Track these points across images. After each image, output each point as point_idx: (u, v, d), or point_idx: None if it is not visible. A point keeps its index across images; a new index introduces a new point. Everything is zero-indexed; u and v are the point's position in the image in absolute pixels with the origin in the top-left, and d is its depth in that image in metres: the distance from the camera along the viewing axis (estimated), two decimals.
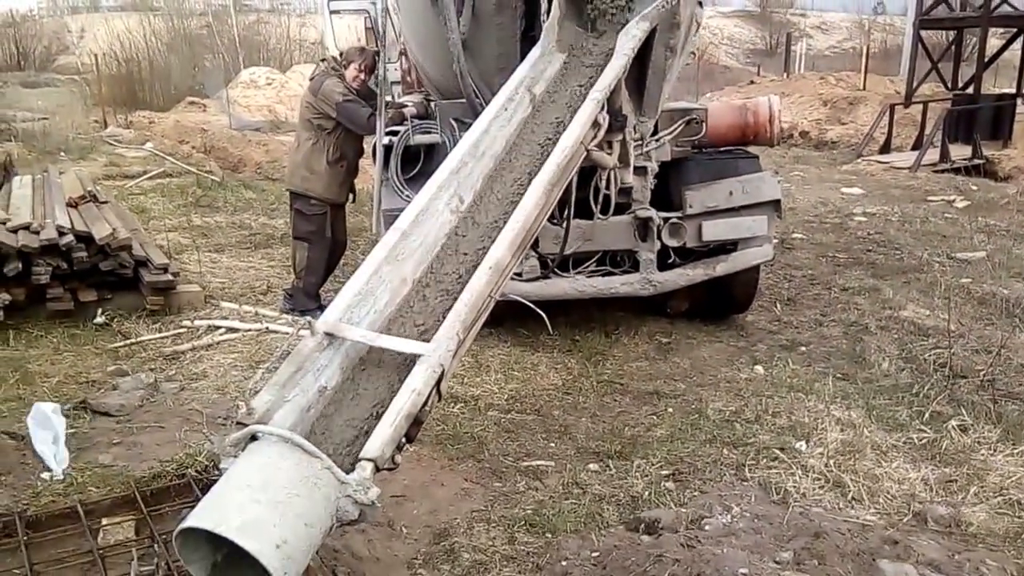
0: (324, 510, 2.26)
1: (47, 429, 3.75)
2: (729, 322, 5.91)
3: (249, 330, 5.44)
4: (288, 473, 2.24)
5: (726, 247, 5.41)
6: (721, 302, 5.86)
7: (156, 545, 3.12)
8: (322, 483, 2.26)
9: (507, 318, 5.49)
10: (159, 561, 3.04)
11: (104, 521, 3.29)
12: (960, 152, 13.25)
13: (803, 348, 5.43)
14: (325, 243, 5.84)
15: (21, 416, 4.04)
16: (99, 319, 5.46)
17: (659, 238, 5.20)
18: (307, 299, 5.82)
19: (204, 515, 2.14)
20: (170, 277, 5.66)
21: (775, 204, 5.44)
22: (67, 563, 3.09)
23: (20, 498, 3.35)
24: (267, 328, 5.44)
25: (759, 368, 5.08)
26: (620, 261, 5.32)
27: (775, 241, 6.10)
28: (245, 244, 7.84)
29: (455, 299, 2.84)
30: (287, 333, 5.25)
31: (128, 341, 5.21)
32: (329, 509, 2.27)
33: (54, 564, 3.07)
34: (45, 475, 3.52)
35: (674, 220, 5.21)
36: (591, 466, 3.91)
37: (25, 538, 3.12)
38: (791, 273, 7.07)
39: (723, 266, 5.37)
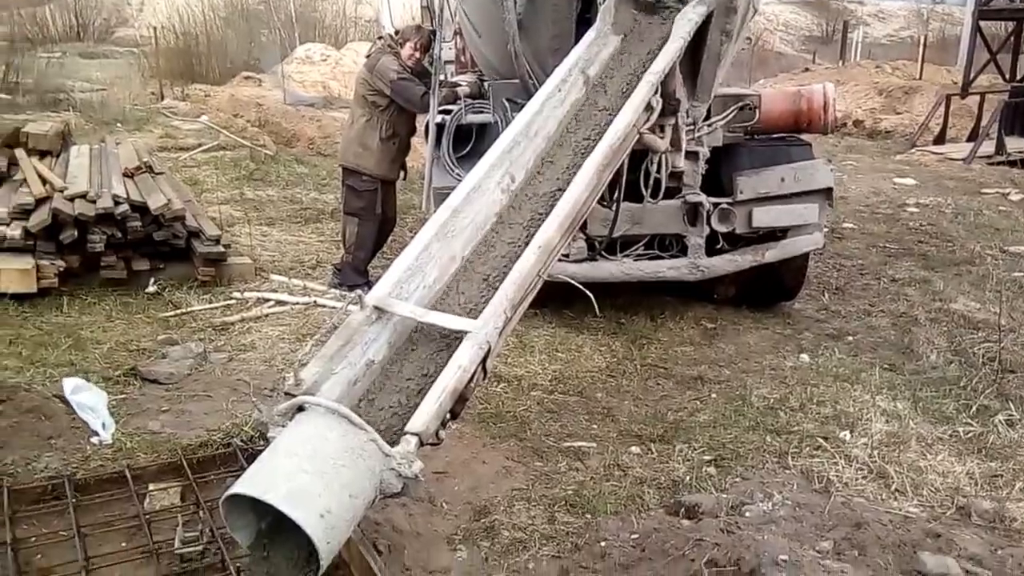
0: (368, 482, 2.28)
1: (85, 400, 3.83)
2: (776, 310, 5.83)
3: (297, 303, 5.51)
4: (334, 444, 2.27)
5: (776, 234, 5.33)
6: (769, 289, 5.78)
7: (201, 512, 3.19)
8: (367, 455, 2.29)
9: (552, 300, 5.47)
10: (204, 527, 3.09)
11: (151, 487, 3.35)
12: (1016, 145, 12.89)
13: (850, 338, 5.35)
14: (375, 219, 5.88)
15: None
16: (151, 288, 5.57)
17: (708, 223, 5.13)
18: (355, 274, 5.87)
19: (251, 482, 2.17)
20: (222, 249, 5.74)
21: (827, 192, 5.34)
22: (114, 526, 3.17)
23: (69, 461, 3.43)
24: (315, 302, 5.51)
25: (805, 356, 5.01)
26: (668, 245, 5.27)
27: (825, 230, 5.98)
28: (296, 218, 7.93)
29: (503, 278, 2.84)
30: (335, 308, 5.30)
31: (179, 311, 5.30)
32: (373, 481, 2.30)
33: (101, 527, 3.14)
34: (94, 439, 3.60)
35: (724, 205, 5.14)
36: (633, 449, 3.90)
37: (74, 500, 3.20)
38: (840, 263, 6.95)
39: (772, 253, 5.30)
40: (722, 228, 5.17)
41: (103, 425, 3.65)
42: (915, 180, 10.80)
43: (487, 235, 3.09)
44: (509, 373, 4.68)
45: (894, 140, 15.49)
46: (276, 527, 2.30)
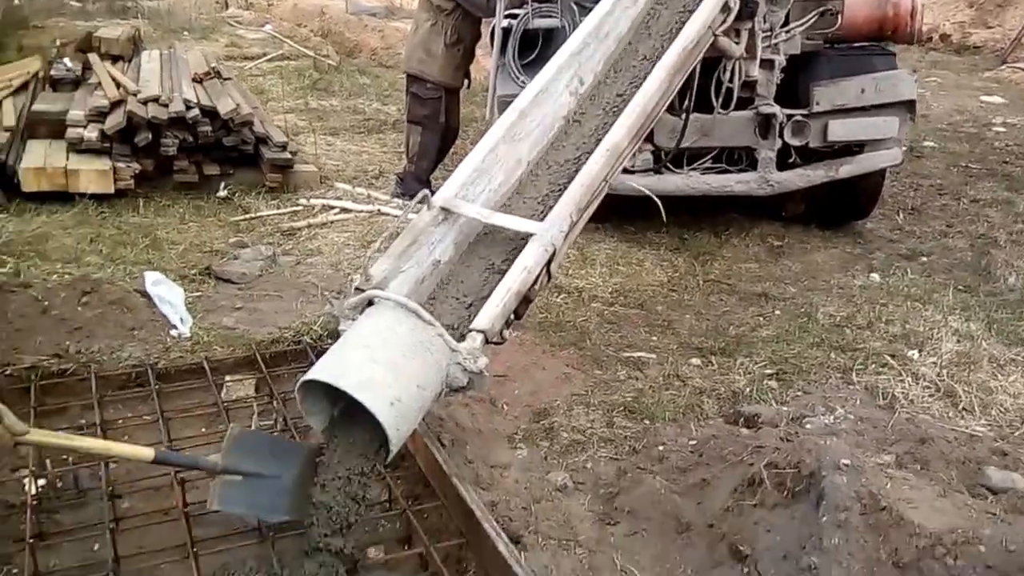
0: (435, 375, 2.35)
1: (164, 294, 3.99)
2: (847, 228, 5.67)
3: (361, 211, 5.58)
4: (403, 337, 2.34)
5: (852, 148, 5.13)
6: (840, 207, 5.60)
7: (275, 402, 3.33)
8: (434, 349, 2.35)
9: (615, 215, 5.44)
10: (277, 416, 3.25)
11: (227, 378, 3.52)
12: None
13: (924, 258, 5.20)
14: (438, 128, 5.86)
15: None
16: (221, 193, 5.69)
17: (781, 136, 4.95)
18: (417, 184, 5.87)
19: (325, 370, 2.27)
20: (288, 155, 5.81)
21: (909, 105, 5.10)
22: (194, 413, 3.34)
23: (151, 352, 3.59)
24: (379, 210, 5.57)
25: (875, 276, 4.90)
26: (737, 159, 5.13)
27: (905, 147, 5.74)
28: (359, 129, 7.95)
29: (569, 181, 2.83)
30: (398, 216, 5.35)
31: (248, 215, 5.43)
32: (440, 375, 2.37)
33: (182, 413, 3.32)
34: (173, 332, 3.76)
35: (799, 118, 4.94)
36: (693, 360, 3.90)
37: (156, 388, 3.37)
38: (918, 182, 6.69)
39: (847, 168, 5.11)
40: (795, 141, 4.98)
41: (181, 319, 3.81)
42: (1003, 98, 10.24)
43: (554, 138, 3.07)
44: (570, 285, 4.69)
45: (983, 56, 14.60)
46: (347, 415, 2.39)
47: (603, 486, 2.97)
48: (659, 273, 4.97)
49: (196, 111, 5.52)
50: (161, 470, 2.84)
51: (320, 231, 5.27)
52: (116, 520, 2.60)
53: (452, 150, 6.28)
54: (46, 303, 3.70)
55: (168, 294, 3.96)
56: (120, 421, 3.26)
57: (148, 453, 2.22)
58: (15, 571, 2.48)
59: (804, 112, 4.97)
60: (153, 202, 5.47)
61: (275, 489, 2.24)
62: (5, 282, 3.97)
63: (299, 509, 2.35)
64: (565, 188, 2.81)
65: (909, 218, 5.91)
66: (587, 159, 2.87)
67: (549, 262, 2.62)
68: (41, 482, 2.78)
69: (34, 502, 2.68)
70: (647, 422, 3.36)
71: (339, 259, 4.82)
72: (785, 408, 3.37)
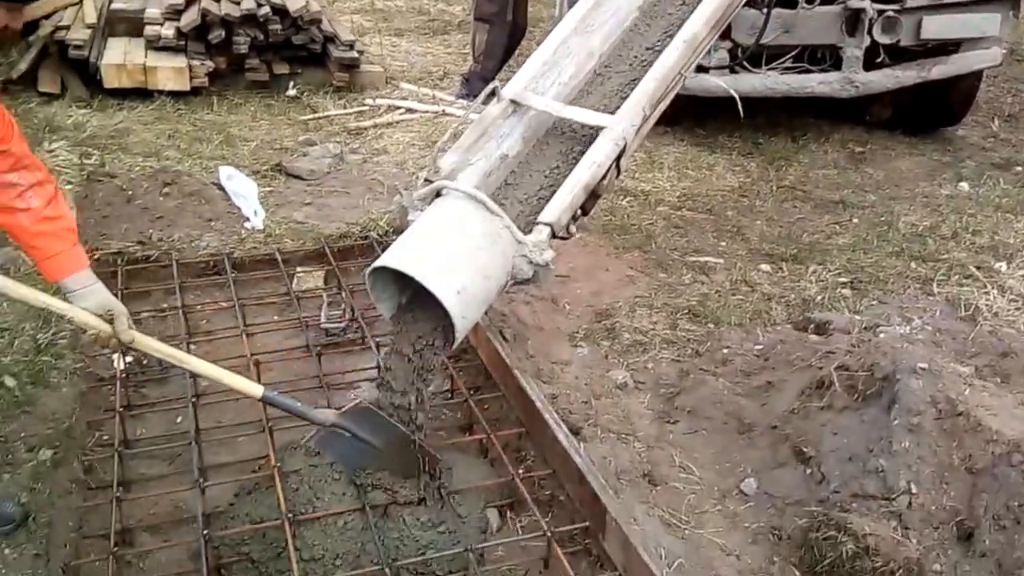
0: (501, 266, 2.36)
1: (238, 187, 4.08)
2: (935, 135, 5.40)
3: (426, 112, 5.55)
4: (471, 228, 2.34)
5: (946, 48, 4.81)
6: (930, 111, 5.30)
7: (343, 293, 3.41)
8: (501, 240, 2.35)
9: (685, 117, 5.28)
10: (346, 307, 3.33)
11: (298, 269, 3.64)
12: None
13: (1019, 168, 4.93)
14: (505, 26, 5.72)
15: None
16: (291, 91, 5.74)
17: (869, 33, 4.63)
18: (483, 84, 5.75)
19: (394, 257, 2.29)
20: (356, 54, 5.80)
21: (1013, 1, 4.73)
22: (266, 302, 3.47)
23: (227, 242, 3.72)
24: (444, 111, 5.52)
25: (964, 185, 4.68)
26: (820, 58, 4.86)
27: (1006, 47, 5.36)
28: (424, 30, 7.85)
29: (643, 75, 2.74)
30: (462, 116, 5.30)
31: (316, 115, 5.46)
32: (506, 266, 2.37)
33: (256, 301, 3.45)
34: (247, 225, 3.87)
35: (890, 13, 4.61)
36: (763, 267, 3.82)
37: (232, 276, 3.50)
38: (1017, 87, 6.29)
39: (939, 69, 4.79)
40: (885, 39, 4.66)
41: (255, 212, 3.90)
42: None
43: (628, 30, 2.96)
44: (636, 188, 4.61)
45: None
46: (415, 304, 2.43)
47: (664, 386, 2.98)
48: (730, 178, 4.83)
49: (267, 8, 5.50)
50: (237, 351, 2.99)
51: (386, 131, 5.27)
52: (197, 396, 2.76)
53: (518, 50, 6.14)
54: (130, 193, 3.87)
55: (242, 188, 4.05)
56: (199, 306, 3.42)
57: (257, 390, 2.25)
58: (105, 437, 2.68)
59: (896, 7, 4.62)
60: (226, 100, 5.56)
61: (369, 455, 2.31)
62: (92, 172, 4.16)
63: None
64: (638, 82, 2.72)
65: (1005, 125, 5.59)
66: (662, 51, 2.76)
67: (619, 156, 2.56)
68: (128, 358, 2.94)
69: (122, 375, 2.87)
70: (711, 326, 3.32)
71: (404, 158, 4.83)
72: (858, 317, 3.28)
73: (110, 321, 2.11)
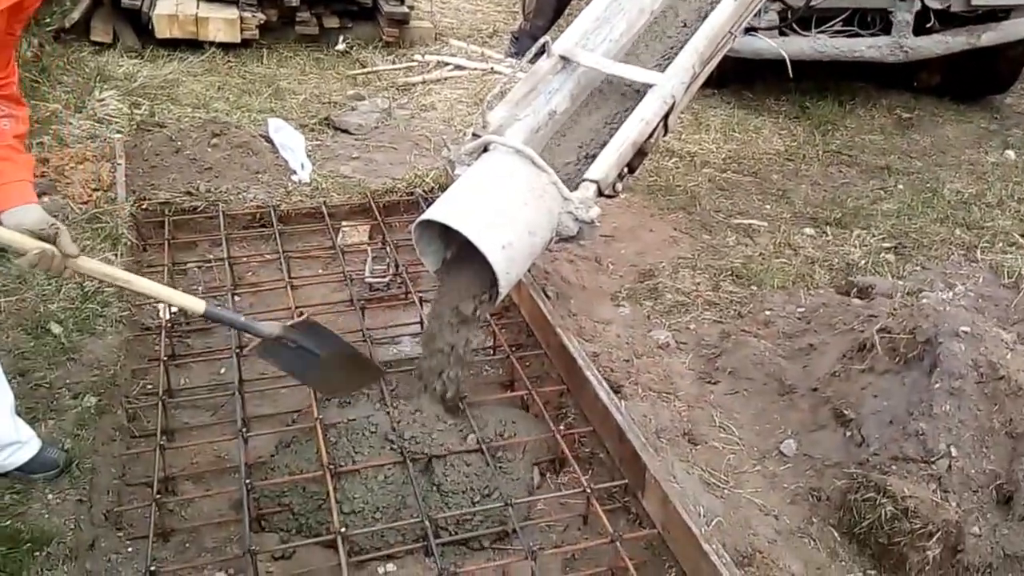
0: (547, 222, 2.39)
1: (287, 140, 4.12)
2: (983, 102, 5.32)
3: (475, 69, 5.54)
4: (517, 183, 2.37)
5: (997, 14, 4.71)
6: (978, 78, 5.21)
7: (388, 248, 3.46)
8: (547, 196, 2.38)
9: (733, 79, 5.22)
10: (390, 261, 3.38)
11: (343, 223, 3.67)
12: None
13: None
14: None
15: None
16: (340, 46, 5.76)
17: None
18: (532, 43, 5.74)
19: (441, 211, 2.33)
20: (406, 9, 5.80)
21: None
22: (311, 255, 3.52)
23: (274, 195, 3.76)
24: (492, 68, 5.52)
25: (1010, 153, 4.61)
26: (870, 22, 4.78)
27: None
28: None
29: (694, 32, 2.73)
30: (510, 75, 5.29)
31: (365, 70, 5.48)
32: (551, 222, 2.40)
33: (300, 254, 3.51)
34: (294, 178, 3.91)
35: None
36: (807, 230, 3.81)
37: (278, 229, 3.54)
38: None
39: (990, 36, 4.71)
40: (936, 4, 4.59)
41: (301, 165, 3.95)
42: None
43: None
44: (682, 149, 4.59)
45: None
46: (459, 259, 2.47)
47: (705, 346, 3.00)
48: (776, 141, 4.79)
49: None
50: (282, 303, 3.05)
51: (434, 87, 5.28)
52: (240, 347, 2.77)
53: (568, 9, 6.09)
54: (178, 143, 3.90)
55: (289, 140, 4.10)
56: (245, 258, 3.48)
57: (200, 306, 2.13)
58: (149, 386, 2.75)
59: None
60: (276, 53, 5.59)
61: (316, 364, 2.31)
62: (141, 122, 4.21)
63: (325, 388, 2.46)
64: (689, 39, 2.71)
65: None
66: (713, 8, 2.74)
67: (667, 114, 2.57)
68: (173, 308, 2.97)
69: (167, 325, 2.93)
70: (754, 288, 3.33)
71: (452, 115, 4.84)
72: (901, 282, 3.27)
73: (53, 239, 1.87)
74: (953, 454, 2.19)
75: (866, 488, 2.21)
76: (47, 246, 1.86)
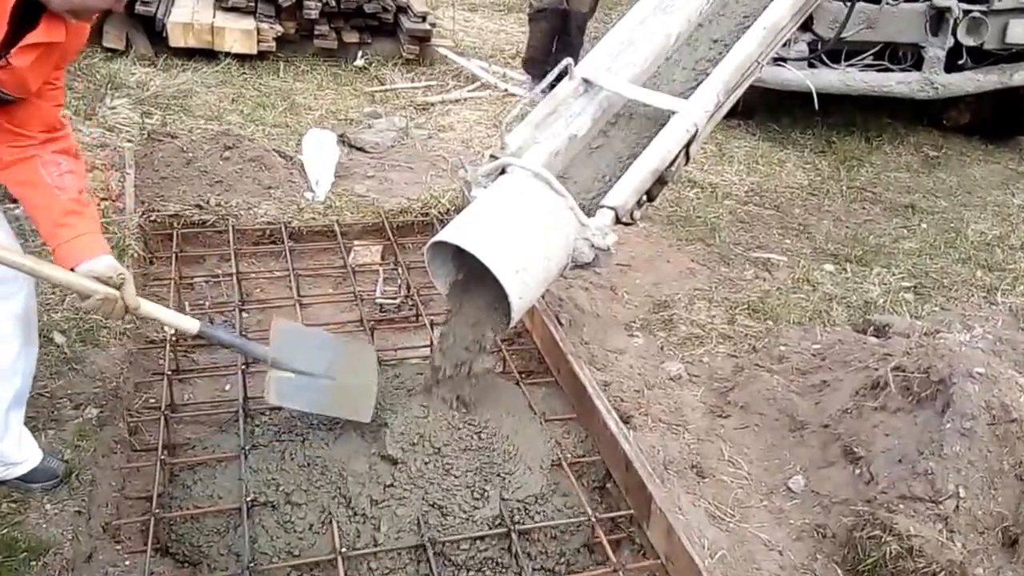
0: (562, 248, 2.33)
1: (319, 150, 4.06)
2: (1013, 143, 5.26)
3: (496, 90, 5.51)
4: (534, 207, 2.31)
5: None
6: (1009, 118, 5.14)
7: (400, 269, 3.40)
8: (564, 222, 2.32)
9: (759, 110, 5.17)
10: (401, 283, 3.32)
11: (356, 243, 3.60)
12: None
13: None
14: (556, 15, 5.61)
15: (289, 139, 4.44)
16: (359, 62, 5.74)
17: (953, 34, 4.51)
18: (535, 69, 5.71)
19: (455, 233, 2.27)
20: (428, 26, 5.77)
21: None
22: (321, 273, 3.46)
23: (286, 211, 3.69)
24: (506, 90, 5.50)
25: None
26: (901, 57, 4.73)
27: None
28: (498, 6, 7.81)
29: (720, 59, 2.68)
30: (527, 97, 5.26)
31: (383, 87, 5.46)
32: (567, 248, 2.34)
33: (311, 272, 3.44)
34: (308, 195, 3.86)
35: (976, 14, 4.47)
36: (826, 266, 3.74)
37: (289, 246, 3.47)
38: None
39: (1022, 75, 4.65)
40: (969, 41, 4.53)
41: (316, 182, 3.89)
42: None
43: (709, 14, 2.89)
44: (704, 180, 4.54)
45: None
46: (471, 281, 2.41)
47: (718, 380, 2.93)
48: (800, 175, 4.73)
49: None
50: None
51: (453, 107, 5.26)
52: (247, 364, 2.70)
53: (592, 31, 6.06)
54: (190, 155, 3.85)
55: (324, 152, 4.02)
56: (253, 274, 3.42)
57: (193, 326, 2.14)
58: (152, 400, 2.68)
59: (983, 8, 4.48)
60: (292, 66, 5.58)
61: (330, 389, 2.28)
62: (152, 131, 4.16)
63: (356, 412, 2.35)
64: (715, 67, 2.66)
65: None
66: (741, 36, 2.69)
67: (690, 143, 2.51)
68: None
69: (172, 339, 2.85)
70: (770, 323, 3.26)
71: (470, 136, 4.81)
72: (919, 322, 3.19)
73: (119, 286, 1.96)
74: (961, 495, 2.15)
75: (872, 526, 2.17)
76: (112, 291, 1.95)
